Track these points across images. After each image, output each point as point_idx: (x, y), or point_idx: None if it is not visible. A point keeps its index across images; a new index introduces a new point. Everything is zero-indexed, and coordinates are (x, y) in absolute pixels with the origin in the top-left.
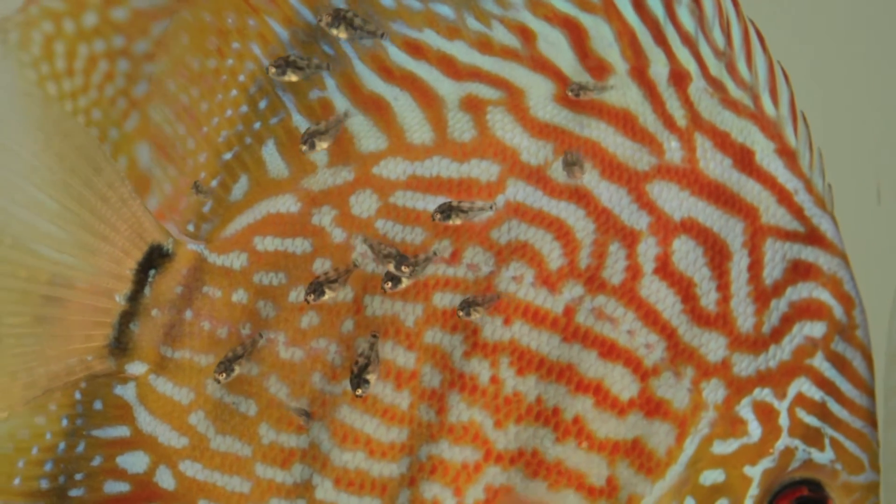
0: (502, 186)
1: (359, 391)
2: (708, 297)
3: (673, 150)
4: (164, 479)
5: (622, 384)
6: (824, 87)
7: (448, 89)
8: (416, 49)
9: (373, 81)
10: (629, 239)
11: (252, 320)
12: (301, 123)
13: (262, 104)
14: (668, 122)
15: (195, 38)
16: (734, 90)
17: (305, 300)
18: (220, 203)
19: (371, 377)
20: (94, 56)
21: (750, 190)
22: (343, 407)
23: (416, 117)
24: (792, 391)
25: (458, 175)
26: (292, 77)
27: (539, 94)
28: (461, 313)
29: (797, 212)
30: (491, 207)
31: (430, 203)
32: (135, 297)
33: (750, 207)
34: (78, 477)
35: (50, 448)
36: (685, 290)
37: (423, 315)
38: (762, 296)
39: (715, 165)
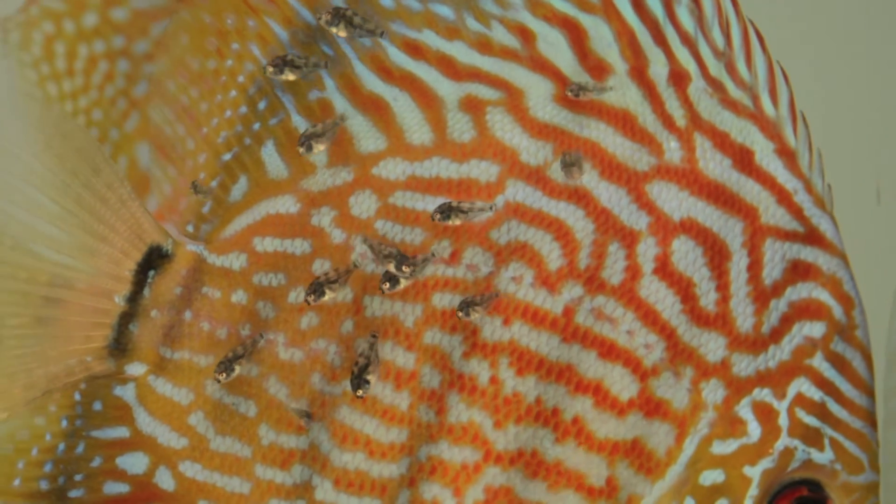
0: (502, 187)
1: (359, 392)
2: (707, 298)
3: (672, 150)
4: (164, 480)
5: (622, 384)
6: (824, 87)
7: (447, 90)
8: (415, 49)
9: (372, 82)
10: (628, 239)
11: (251, 321)
12: (300, 124)
13: (262, 105)
14: (668, 123)
15: (194, 39)
16: (734, 90)
17: (306, 301)
18: (219, 204)
19: (371, 377)
20: (94, 56)
21: (749, 190)
22: (343, 407)
23: (415, 118)
24: (791, 391)
25: (458, 175)
26: (289, 76)
27: (538, 94)
28: (460, 314)
29: (797, 212)
30: (491, 208)
31: (430, 203)
32: (134, 298)
33: (749, 207)
34: (77, 478)
35: (49, 449)
36: (684, 290)
37: (422, 316)
38: (762, 296)
39: (714, 165)
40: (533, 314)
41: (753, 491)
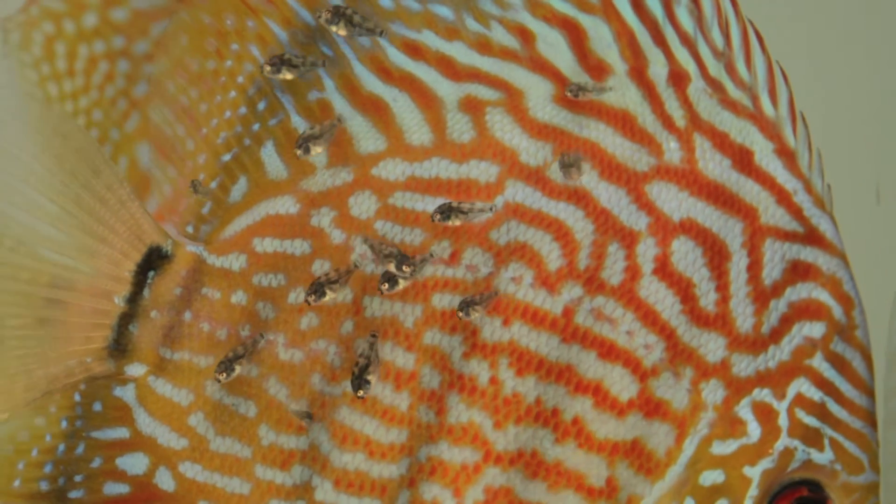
0: (501, 187)
1: (360, 392)
2: (707, 298)
3: (672, 150)
4: (164, 481)
5: (621, 385)
6: (824, 87)
7: (447, 90)
8: (414, 50)
9: (372, 82)
10: (628, 239)
11: (251, 322)
12: (300, 125)
13: (261, 105)
14: (667, 123)
15: (194, 40)
16: (733, 90)
17: (306, 301)
18: (219, 204)
19: (371, 378)
20: (94, 57)
21: (749, 190)
22: (342, 408)
23: (415, 118)
24: (791, 391)
25: (458, 176)
26: (287, 75)
27: (538, 94)
28: (460, 314)
29: (796, 212)
30: (490, 209)
31: (430, 204)
32: (134, 298)
33: (749, 208)
34: (77, 478)
35: (49, 450)
36: (684, 290)
37: (422, 316)
38: (761, 296)
39: (714, 166)
40: (533, 314)
41: (753, 491)
